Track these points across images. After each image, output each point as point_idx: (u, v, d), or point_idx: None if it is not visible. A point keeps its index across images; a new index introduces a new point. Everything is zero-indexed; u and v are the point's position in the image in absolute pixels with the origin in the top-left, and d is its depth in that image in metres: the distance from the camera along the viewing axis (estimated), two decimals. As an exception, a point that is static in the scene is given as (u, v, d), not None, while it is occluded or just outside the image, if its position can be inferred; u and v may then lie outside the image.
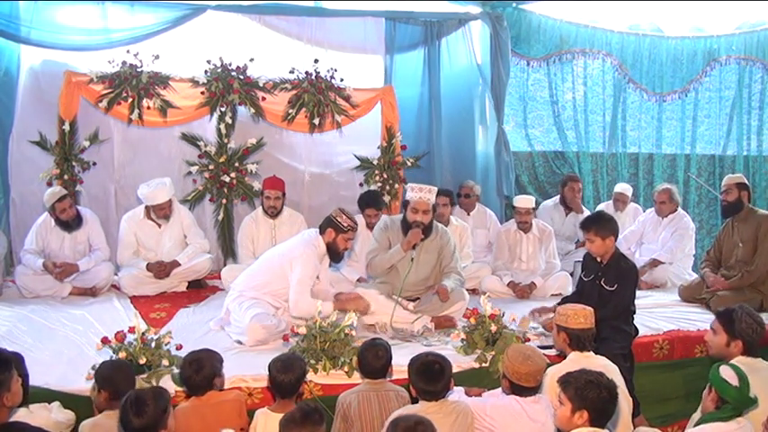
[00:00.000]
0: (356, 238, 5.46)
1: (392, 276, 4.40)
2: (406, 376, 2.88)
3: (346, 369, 3.45)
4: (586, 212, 6.12)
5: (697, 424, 2.71)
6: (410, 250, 4.28)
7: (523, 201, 5.47)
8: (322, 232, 4.13)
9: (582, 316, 3.11)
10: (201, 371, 2.82)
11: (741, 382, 2.58)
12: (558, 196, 6.33)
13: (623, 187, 6.31)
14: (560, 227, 6.16)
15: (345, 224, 4.06)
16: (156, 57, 5.42)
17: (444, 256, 4.43)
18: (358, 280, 5.15)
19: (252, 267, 4.27)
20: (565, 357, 3.17)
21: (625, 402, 2.99)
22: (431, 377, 2.71)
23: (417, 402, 2.77)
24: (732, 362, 3.07)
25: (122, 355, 3.26)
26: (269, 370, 2.87)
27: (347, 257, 5.47)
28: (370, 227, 5.14)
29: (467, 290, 4.62)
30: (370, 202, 5.37)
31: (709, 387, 2.71)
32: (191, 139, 5.66)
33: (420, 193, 4.28)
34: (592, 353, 3.12)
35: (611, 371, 2.92)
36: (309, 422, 2.37)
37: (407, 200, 4.36)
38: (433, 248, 4.41)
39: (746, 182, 5.14)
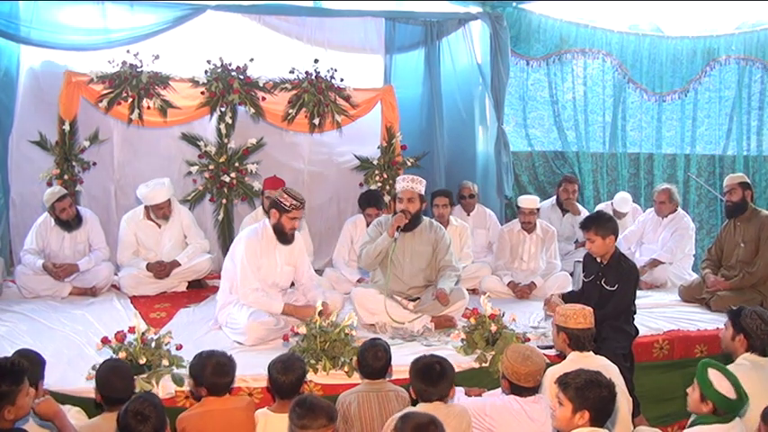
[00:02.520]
0: (358, 234, 5.47)
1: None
2: (407, 376, 2.89)
3: (346, 369, 3.46)
4: (584, 212, 6.12)
5: (692, 424, 2.68)
6: (395, 233, 4.24)
7: (528, 201, 5.46)
8: (268, 216, 4.16)
9: (581, 316, 3.12)
10: (229, 374, 2.86)
11: (737, 392, 2.55)
12: (555, 197, 6.33)
13: (620, 204, 6.08)
14: (558, 228, 6.12)
15: (288, 203, 4.02)
16: (156, 57, 5.41)
17: (440, 249, 4.43)
18: (358, 280, 5.14)
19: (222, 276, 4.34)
20: (565, 357, 3.18)
21: (625, 402, 2.99)
22: (430, 378, 2.70)
23: (416, 404, 2.76)
24: (737, 360, 3.09)
25: (122, 355, 3.26)
26: (269, 371, 2.86)
27: (348, 257, 5.48)
28: (371, 226, 5.15)
29: (467, 290, 4.62)
30: (370, 202, 5.38)
31: (696, 386, 2.66)
32: (191, 139, 5.65)
33: (404, 183, 4.34)
34: (591, 353, 3.13)
35: (611, 371, 2.92)
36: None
37: (396, 193, 4.43)
38: (426, 241, 4.41)
39: (748, 180, 5.13)
